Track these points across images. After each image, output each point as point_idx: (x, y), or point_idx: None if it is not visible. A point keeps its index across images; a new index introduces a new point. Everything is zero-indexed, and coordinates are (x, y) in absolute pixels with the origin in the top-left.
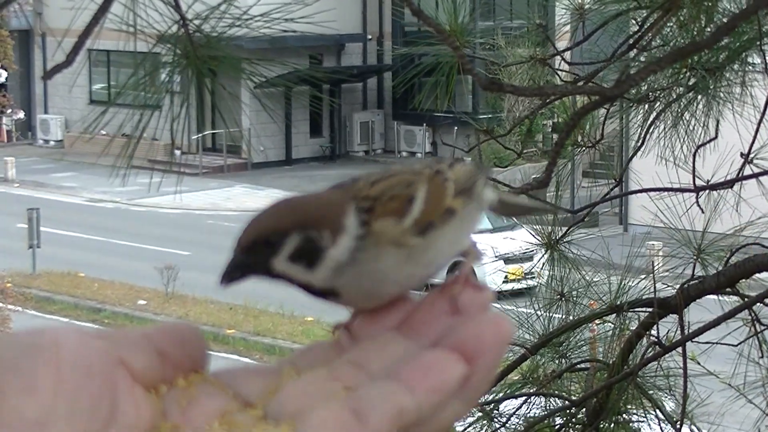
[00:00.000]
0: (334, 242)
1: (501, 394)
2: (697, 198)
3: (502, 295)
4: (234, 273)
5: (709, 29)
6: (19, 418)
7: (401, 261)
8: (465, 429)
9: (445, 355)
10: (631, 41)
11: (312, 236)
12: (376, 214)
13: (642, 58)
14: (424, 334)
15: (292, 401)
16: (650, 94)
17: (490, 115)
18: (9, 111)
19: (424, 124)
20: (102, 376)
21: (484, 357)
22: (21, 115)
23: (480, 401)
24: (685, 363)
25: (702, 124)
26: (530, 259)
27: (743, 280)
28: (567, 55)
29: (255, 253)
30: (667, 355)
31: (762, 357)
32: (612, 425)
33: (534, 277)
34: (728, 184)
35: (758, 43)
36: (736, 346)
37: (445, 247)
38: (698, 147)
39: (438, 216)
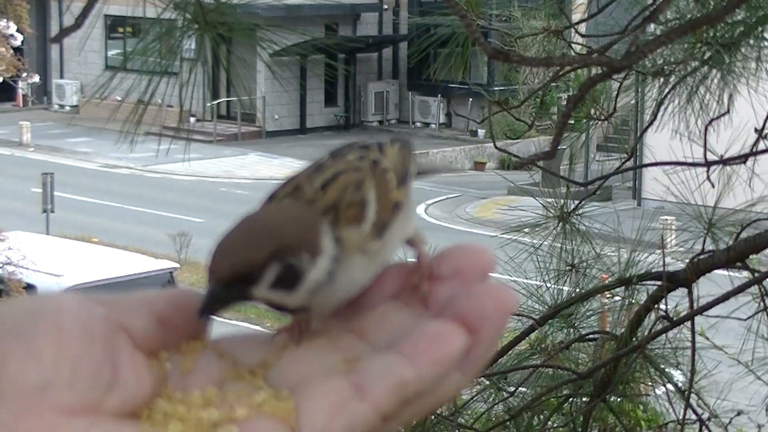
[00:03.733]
0: (313, 265)
1: (509, 365)
2: (708, 172)
3: None
4: (214, 306)
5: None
6: (21, 383)
7: (366, 266)
8: (472, 398)
9: (446, 326)
10: (646, 13)
11: (292, 263)
12: (341, 224)
13: (658, 32)
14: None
15: (292, 371)
16: (665, 67)
17: (504, 87)
18: (24, 75)
19: (439, 95)
20: (103, 342)
21: (487, 328)
22: (36, 79)
23: (487, 372)
24: (693, 337)
25: (716, 99)
26: None
27: (753, 255)
28: (581, 27)
29: (234, 286)
30: (675, 329)
31: None
32: (619, 398)
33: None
34: (741, 158)
35: None
36: (745, 320)
37: (397, 241)
38: (710, 121)
39: (389, 213)
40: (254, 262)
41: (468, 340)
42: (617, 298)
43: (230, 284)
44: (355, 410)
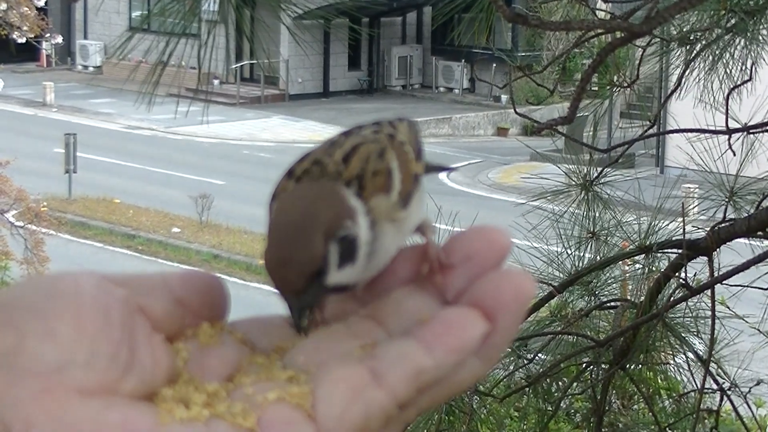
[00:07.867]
0: (359, 227)
1: (529, 331)
2: (729, 140)
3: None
4: (303, 317)
5: None
6: (38, 362)
7: (395, 235)
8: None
9: (465, 313)
10: None
11: (345, 234)
12: (368, 192)
13: None
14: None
15: (308, 357)
16: (689, 35)
17: (527, 53)
18: (48, 36)
19: (463, 60)
20: (121, 323)
21: (506, 315)
22: (60, 40)
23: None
24: (713, 306)
25: (740, 67)
26: None
27: None
28: None
29: (310, 288)
30: (695, 298)
31: None
32: (639, 366)
33: None
34: (764, 127)
35: None
36: (766, 289)
37: (418, 214)
38: (733, 88)
39: (411, 183)
40: (316, 255)
41: (487, 327)
42: (638, 265)
43: (305, 289)
44: (372, 397)
